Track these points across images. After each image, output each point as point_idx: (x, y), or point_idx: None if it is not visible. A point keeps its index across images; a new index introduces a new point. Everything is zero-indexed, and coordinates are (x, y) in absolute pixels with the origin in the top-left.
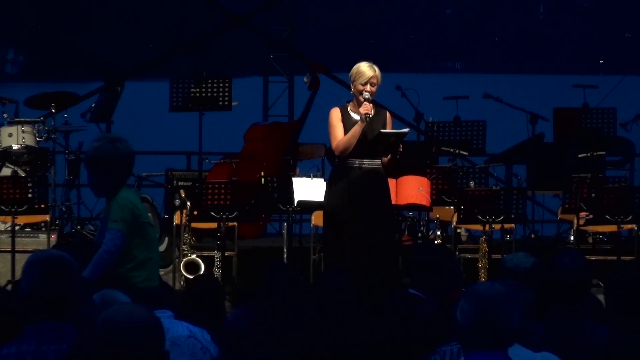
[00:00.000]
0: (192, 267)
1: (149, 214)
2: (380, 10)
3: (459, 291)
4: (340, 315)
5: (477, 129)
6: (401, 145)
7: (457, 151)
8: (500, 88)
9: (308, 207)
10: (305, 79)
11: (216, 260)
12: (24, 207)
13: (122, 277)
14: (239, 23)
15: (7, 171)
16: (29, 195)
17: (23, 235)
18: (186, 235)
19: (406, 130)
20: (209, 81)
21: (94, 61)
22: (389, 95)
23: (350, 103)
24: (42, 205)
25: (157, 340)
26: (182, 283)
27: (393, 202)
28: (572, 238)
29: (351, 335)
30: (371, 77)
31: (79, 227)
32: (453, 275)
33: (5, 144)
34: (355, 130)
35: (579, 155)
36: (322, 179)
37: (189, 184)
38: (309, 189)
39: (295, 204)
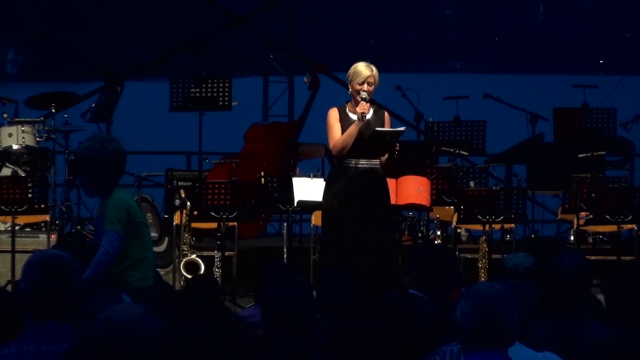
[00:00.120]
0: (192, 267)
1: (149, 214)
2: (380, 10)
3: (458, 291)
4: (340, 315)
5: (477, 129)
6: (398, 144)
7: (457, 151)
8: (500, 88)
9: (308, 207)
10: (305, 79)
11: (216, 260)
12: (24, 207)
13: (117, 276)
14: (239, 23)
15: (7, 171)
16: (29, 195)
17: (23, 235)
18: (186, 235)
19: (402, 128)
20: (209, 81)
21: (94, 61)
22: (389, 95)
23: (349, 103)
24: (42, 205)
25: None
26: (182, 283)
27: (393, 202)
28: (572, 238)
29: (351, 335)
30: (368, 77)
31: (79, 227)
32: (453, 275)
33: (5, 144)
34: (352, 129)
35: (579, 155)
36: (322, 179)
37: (189, 184)
38: (309, 189)
39: (295, 204)
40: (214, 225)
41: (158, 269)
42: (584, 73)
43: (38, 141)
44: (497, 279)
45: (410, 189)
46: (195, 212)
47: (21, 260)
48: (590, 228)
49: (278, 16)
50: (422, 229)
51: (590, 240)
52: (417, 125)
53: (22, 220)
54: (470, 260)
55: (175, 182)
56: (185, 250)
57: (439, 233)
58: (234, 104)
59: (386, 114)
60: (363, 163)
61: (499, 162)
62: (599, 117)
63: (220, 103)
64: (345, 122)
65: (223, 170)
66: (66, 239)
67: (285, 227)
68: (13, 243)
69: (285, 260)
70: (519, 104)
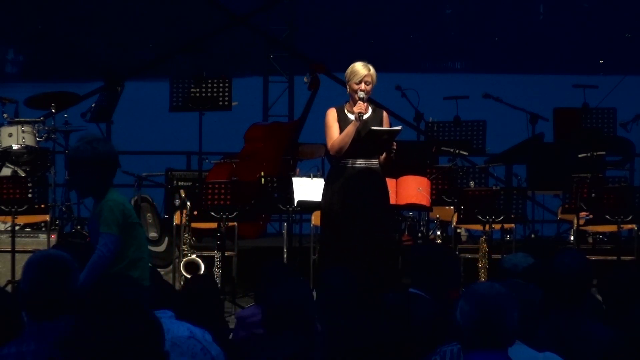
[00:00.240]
0: (192, 267)
1: (149, 214)
2: (380, 10)
3: (457, 291)
4: (340, 315)
5: (477, 129)
6: (395, 144)
7: (457, 151)
8: (500, 88)
9: (308, 207)
10: (305, 79)
11: (216, 260)
12: (24, 207)
13: None
14: (239, 23)
15: (7, 171)
16: (29, 195)
17: (23, 235)
18: (186, 235)
19: (398, 128)
20: (209, 81)
21: (94, 61)
22: (389, 95)
23: (347, 103)
24: (42, 205)
25: (157, 340)
26: (182, 283)
27: (393, 202)
28: (572, 238)
29: (351, 335)
30: (365, 76)
31: (79, 227)
32: (453, 275)
33: (5, 144)
34: (350, 129)
35: (579, 155)
36: (322, 179)
37: (189, 184)
38: (309, 189)
39: (295, 204)
40: (214, 225)
41: (158, 269)
42: (584, 73)
43: (38, 141)
44: (497, 279)
45: (410, 189)
46: (195, 212)
47: (21, 260)
48: (590, 228)
49: (278, 16)
50: (422, 229)
51: (590, 240)
52: (417, 125)
53: (22, 220)
54: (470, 260)
55: (175, 182)
56: (185, 250)
57: (439, 233)
58: (234, 104)
59: (385, 113)
60: (361, 163)
61: (499, 162)
62: (599, 117)
63: (220, 103)
64: (343, 122)
65: (223, 170)
66: (66, 239)
67: (285, 227)
68: (13, 243)
69: (285, 260)
70: (519, 104)
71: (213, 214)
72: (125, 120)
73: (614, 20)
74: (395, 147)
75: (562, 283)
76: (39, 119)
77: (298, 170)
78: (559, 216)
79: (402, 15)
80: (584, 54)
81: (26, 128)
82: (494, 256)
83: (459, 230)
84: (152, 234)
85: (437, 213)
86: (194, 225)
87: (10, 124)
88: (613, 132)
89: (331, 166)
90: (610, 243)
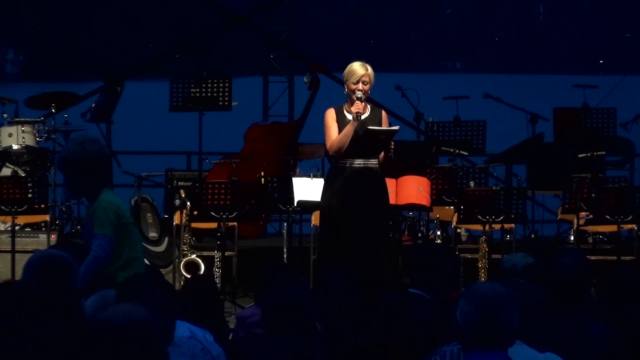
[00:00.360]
0: (192, 267)
1: (149, 214)
2: (380, 10)
3: (457, 291)
4: (340, 315)
5: (477, 129)
6: (392, 143)
7: (457, 151)
8: (500, 88)
9: (308, 207)
10: (305, 79)
11: (216, 260)
12: (24, 207)
13: (108, 277)
14: (239, 23)
15: (7, 171)
16: (29, 195)
17: (23, 235)
18: (186, 235)
19: (396, 128)
20: (209, 81)
21: (94, 61)
22: (389, 95)
23: (346, 104)
24: (42, 205)
25: (157, 340)
26: (182, 283)
27: (393, 202)
28: (572, 238)
29: (351, 335)
30: (363, 76)
31: (79, 227)
32: (453, 275)
33: (5, 144)
34: (348, 129)
35: (579, 155)
36: (322, 179)
37: (189, 184)
38: (309, 189)
39: (295, 204)
40: (214, 225)
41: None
42: (584, 73)
43: (38, 141)
44: (497, 279)
45: (410, 189)
46: (195, 212)
47: (21, 260)
48: (590, 228)
49: (278, 16)
50: (422, 229)
51: (590, 240)
52: (417, 125)
53: (22, 220)
54: (470, 260)
55: (175, 182)
56: (185, 250)
57: (439, 233)
58: (234, 104)
59: (383, 112)
60: (359, 163)
61: (499, 162)
62: (599, 117)
63: (220, 103)
64: (342, 122)
65: (223, 170)
66: (66, 239)
67: (285, 227)
68: (13, 243)
69: (285, 260)
70: (519, 104)
71: (213, 214)
72: (125, 120)
73: (614, 20)
74: (393, 147)
75: (562, 283)
76: (39, 119)
77: (298, 170)
78: (559, 216)
79: (402, 15)
80: (584, 54)
81: (26, 128)
82: (494, 256)
83: (459, 230)
84: (152, 234)
85: (437, 213)
86: (194, 225)
87: (10, 124)
88: (613, 132)
89: (330, 166)
90: (610, 243)
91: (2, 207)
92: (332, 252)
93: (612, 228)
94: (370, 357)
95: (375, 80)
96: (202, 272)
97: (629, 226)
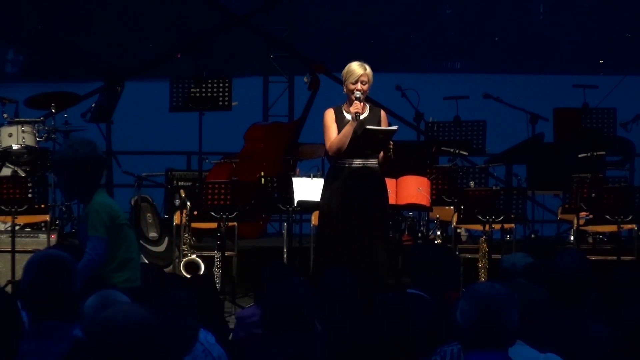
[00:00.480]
0: (192, 267)
1: (149, 214)
2: (380, 10)
3: (457, 291)
4: (340, 315)
5: (477, 129)
6: (391, 143)
7: (457, 151)
8: (500, 88)
9: (308, 207)
10: (305, 79)
11: (216, 260)
12: (24, 207)
13: (103, 279)
14: (239, 23)
15: (7, 171)
16: (29, 195)
17: (23, 235)
18: (186, 235)
19: (395, 127)
20: (209, 81)
21: (94, 61)
22: (389, 95)
23: (345, 104)
24: (42, 205)
25: (157, 340)
26: None
27: (393, 202)
28: (572, 238)
29: (351, 335)
30: (361, 76)
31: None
32: (453, 275)
33: (5, 144)
34: (347, 129)
35: (579, 155)
36: (322, 179)
37: (189, 184)
38: (309, 189)
39: (295, 204)
40: (214, 225)
41: None
42: (584, 73)
43: (38, 141)
44: (497, 279)
45: (410, 189)
46: (195, 212)
47: (21, 260)
48: (590, 228)
49: (278, 16)
50: (422, 229)
51: (590, 240)
52: (417, 125)
53: (22, 220)
54: (470, 260)
55: (175, 182)
56: (185, 250)
57: (439, 233)
58: (234, 104)
59: (383, 112)
60: (359, 163)
61: (499, 162)
62: (599, 117)
63: (220, 103)
64: (341, 122)
65: (223, 170)
66: (66, 239)
67: (285, 227)
68: (13, 243)
69: (285, 260)
70: (519, 104)
71: (213, 214)
72: (125, 120)
73: (614, 20)
74: (392, 146)
75: (562, 283)
76: (39, 119)
77: (298, 170)
78: (559, 216)
79: (402, 15)
80: (584, 54)
81: (26, 128)
82: (494, 256)
83: (459, 230)
84: (152, 234)
85: (437, 213)
86: (194, 225)
87: (10, 124)
88: (613, 132)
89: (330, 166)
90: (610, 243)
91: (2, 207)
92: (332, 252)
93: (612, 228)
94: (370, 357)
95: (375, 80)
96: (202, 272)
97: (629, 226)
